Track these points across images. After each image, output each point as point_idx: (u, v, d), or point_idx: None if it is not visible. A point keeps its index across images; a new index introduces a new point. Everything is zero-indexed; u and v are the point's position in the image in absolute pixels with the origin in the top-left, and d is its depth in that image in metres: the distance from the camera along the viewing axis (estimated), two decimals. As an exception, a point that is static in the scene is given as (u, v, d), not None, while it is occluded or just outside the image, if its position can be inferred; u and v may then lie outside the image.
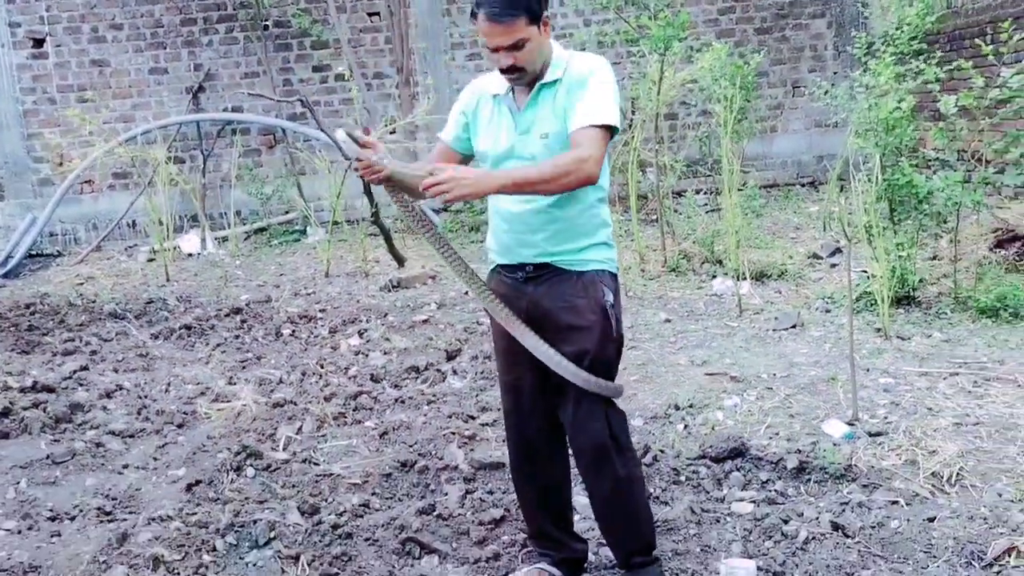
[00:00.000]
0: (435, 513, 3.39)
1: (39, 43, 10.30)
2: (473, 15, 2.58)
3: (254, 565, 3.12)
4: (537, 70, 2.62)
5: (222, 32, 10.47)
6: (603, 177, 2.65)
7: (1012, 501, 3.22)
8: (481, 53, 2.31)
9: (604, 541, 2.97)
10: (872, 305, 5.52)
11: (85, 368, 5.49)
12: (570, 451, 2.89)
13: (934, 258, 6.58)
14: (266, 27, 10.38)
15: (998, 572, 2.85)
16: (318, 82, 10.60)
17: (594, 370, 2.64)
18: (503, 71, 2.60)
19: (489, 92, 2.76)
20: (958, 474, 3.43)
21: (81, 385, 5.19)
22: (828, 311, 5.82)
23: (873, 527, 3.13)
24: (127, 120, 10.38)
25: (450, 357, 5.39)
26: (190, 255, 9.49)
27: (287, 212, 10.42)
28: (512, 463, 2.97)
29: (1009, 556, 2.91)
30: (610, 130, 2.55)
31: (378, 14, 10.44)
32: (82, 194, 10.46)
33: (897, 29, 6.76)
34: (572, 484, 3.02)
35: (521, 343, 2.64)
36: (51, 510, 3.62)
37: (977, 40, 6.22)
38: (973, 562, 2.91)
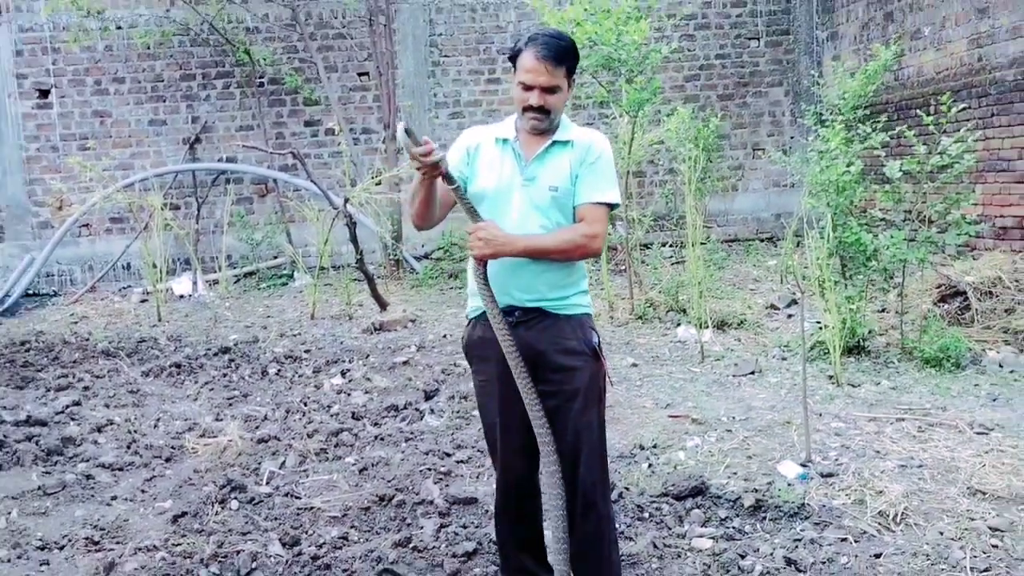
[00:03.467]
0: (411, 545, 3.38)
1: (44, 94, 10.33)
2: (515, 53, 2.64)
3: (236, 594, 3.09)
4: (555, 121, 2.70)
5: (219, 87, 10.55)
6: None
7: (952, 539, 3.26)
8: (511, 92, 2.38)
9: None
10: (825, 354, 5.61)
11: (77, 403, 5.44)
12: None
13: (883, 311, 6.70)
14: (261, 84, 10.48)
15: (939, 606, 2.89)
16: (309, 136, 10.69)
17: (586, 406, 2.69)
18: (531, 108, 2.64)
19: (493, 135, 2.79)
20: (903, 513, 3.47)
21: (73, 420, 5.14)
22: (784, 359, 5.89)
23: (824, 562, 3.16)
24: (126, 168, 10.39)
25: (428, 397, 5.39)
26: (182, 297, 9.45)
27: (276, 257, 10.43)
28: (499, 502, 2.92)
29: (949, 591, 2.95)
30: (612, 206, 2.71)
31: (367, 74, 10.59)
32: (80, 237, 10.41)
33: (841, 99, 6.95)
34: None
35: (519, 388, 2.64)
36: (40, 539, 3.57)
37: (918, 111, 6.40)
38: (916, 597, 2.94)
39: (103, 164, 9.90)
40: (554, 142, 2.70)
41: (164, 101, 10.48)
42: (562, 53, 2.61)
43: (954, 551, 3.17)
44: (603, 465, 2.80)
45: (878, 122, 6.69)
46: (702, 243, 6.97)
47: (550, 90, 2.62)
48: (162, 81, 10.46)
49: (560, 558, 2.63)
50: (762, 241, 10.83)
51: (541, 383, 2.69)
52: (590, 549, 2.80)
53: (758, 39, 11.11)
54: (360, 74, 10.69)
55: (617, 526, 3.45)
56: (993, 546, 3.21)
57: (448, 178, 2.58)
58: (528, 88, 2.63)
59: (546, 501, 2.66)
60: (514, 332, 2.68)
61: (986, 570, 3.05)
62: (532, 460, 2.84)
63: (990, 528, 3.33)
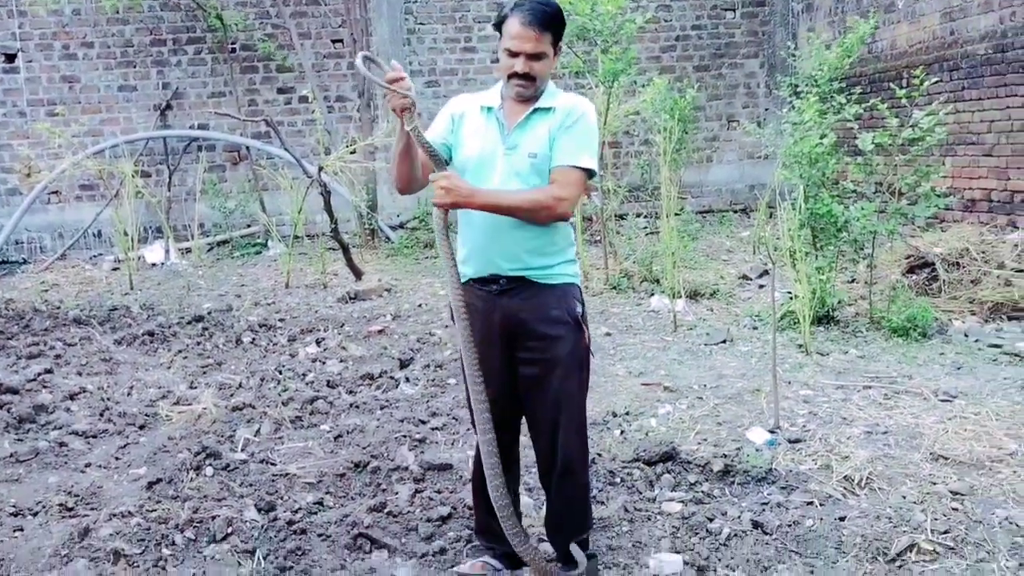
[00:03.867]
0: (386, 510, 3.41)
1: (11, 58, 10.12)
2: (501, 21, 2.63)
3: (211, 559, 3.11)
4: (541, 88, 2.69)
5: (190, 53, 10.39)
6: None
7: (914, 503, 3.35)
8: (498, 56, 2.39)
9: (544, 536, 3.03)
10: (795, 324, 5.68)
11: (49, 371, 5.40)
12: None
13: (853, 281, 6.79)
14: (233, 50, 10.33)
15: (900, 566, 2.97)
16: (282, 103, 10.57)
17: (567, 376, 2.71)
18: (516, 75, 2.63)
19: (478, 104, 2.78)
20: (867, 478, 3.56)
21: (45, 387, 5.11)
22: (755, 328, 5.97)
23: (790, 525, 3.23)
24: (95, 134, 10.22)
25: (403, 365, 5.41)
26: (154, 265, 9.37)
27: (249, 226, 10.35)
28: (476, 467, 2.95)
29: (910, 552, 3.03)
30: (589, 174, 2.65)
31: (341, 41, 10.47)
32: (49, 204, 10.27)
33: (818, 70, 6.99)
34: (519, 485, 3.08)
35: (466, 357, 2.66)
36: (14, 506, 3.56)
37: (892, 84, 6.45)
38: (878, 557, 3.02)
39: (72, 130, 9.73)
40: (535, 109, 2.69)
41: (134, 67, 10.31)
42: (548, 19, 2.60)
43: (916, 514, 3.26)
44: (582, 434, 2.84)
45: (852, 94, 6.74)
46: (676, 214, 7.01)
47: (536, 56, 2.61)
48: (132, 46, 10.28)
49: (507, 524, 2.67)
50: (736, 212, 10.90)
51: (523, 351, 2.73)
52: (567, 514, 2.86)
53: (734, 10, 11.11)
54: (334, 41, 10.57)
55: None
56: (953, 509, 3.30)
57: (409, 111, 2.55)
58: (514, 55, 2.61)
59: (486, 471, 2.67)
60: (497, 300, 2.71)
61: (946, 532, 3.13)
62: (509, 430, 2.88)
63: (951, 492, 3.42)
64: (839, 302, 5.98)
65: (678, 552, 3.06)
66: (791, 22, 10.96)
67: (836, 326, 5.86)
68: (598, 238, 8.46)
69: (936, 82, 7.77)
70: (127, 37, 10.26)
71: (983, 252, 6.54)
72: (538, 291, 2.70)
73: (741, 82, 11.25)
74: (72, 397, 4.95)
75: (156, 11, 10.27)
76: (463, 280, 2.75)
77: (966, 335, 5.54)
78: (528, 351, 2.71)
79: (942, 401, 4.40)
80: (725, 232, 9.87)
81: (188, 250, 9.77)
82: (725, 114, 11.26)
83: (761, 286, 7.14)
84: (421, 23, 10.68)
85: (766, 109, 11.05)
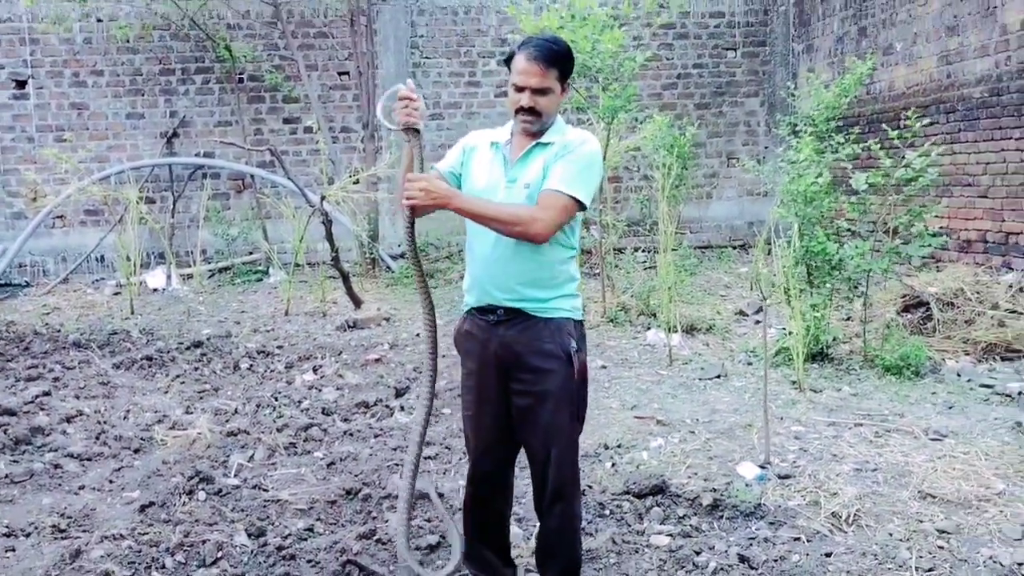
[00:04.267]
0: (375, 538, 3.44)
1: (21, 85, 10.28)
2: (509, 57, 2.72)
3: (201, 582, 3.14)
4: (546, 123, 2.74)
5: (198, 82, 10.55)
6: (573, 238, 2.80)
7: (900, 540, 3.38)
8: (507, 91, 2.52)
9: (532, 567, 3.06)
10: (790, 360, 5.72)
11: (47, 394, 5.45)
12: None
13: (848, 319, 6.83)
14: (240, 80, 10.49)
15: (885, 603, 2.99)
16: (287, 133, 10.71)
17: (558, 408, 2.74)
18: (521, 110, 2.70)
19: (489, 139, 2.86)
20: (855, 515, 3.58)
21: (42, 410, 5.15)
22: (750, 364, 6.01)
23: (776, 560, 3.25)
24: (102, 160, 10.36)
25: (399, 394, 5.45)
26: (155, 290, 9.44)
27: (251, 253, 10.43)
28: (468, 494, 3.00)
29: (895, 589, 3.05)
30: (578, 203, 2.66)
31: (347, 73, 10.63)
32: (54, 228, 10.37)
33: (815, 110, 7.10)
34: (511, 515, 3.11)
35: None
36: (6, 526, 3.59)
37: (884, 125, 6.55)
38: (863, 594, 3.04)
39: (79, 156, 9.86)
40: (537, 144, 2.76)
41: (142, 95, 10.47)
42: (553, 55, 2.67)
43: (901, 551, 3.28)
44: (573, 466, 2.85)
45: (851, 135, 6.84)
46: (674, 249, 7.08)
47: (541, 92, 2.67)
48: (141, 75, 10.45)
49: (402, 518, 2.76)
50: (735, 248, 10.98)
51: (516, 382, 2.77)
52: (557, 544, 2.89)
53: (735, 50, 11.28)
54: (340, 73, 10.73)
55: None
56: (939, 547, 3.32)
57: (414, 131, 2.66)
58: (520, 89, 2.69)
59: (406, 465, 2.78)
60: (494, 330, 2.76)
61: (931, 570, 3.15)
62: (502, 458, 2.92)
63: (938, 530, 3.45)
64: (834, 339, 6.02)
65: (664, 585, 3.08)
66: (791, 62, 11.12)
67: (830, 363, 5.90)
68: (596, 271, 8.52)
69: (932, 124, 7.89)
70: (136, 66, 10.43)
71: (978, 292, 6.60)
72: (533, 324, 2.74)
73: (741, 120, 11.38)
74: (69, 420, 4.99)
75: (166, 40, 10.45)
76: (468, 308, 2.83)
77: (959, 375, 5.57)
78: (520, 382, 2.75)
79: (932, 440, 4.43)
80: (724, 268, 9.93)
81: (190, 276, 9.85)
82: (725, 151, 11.39)
83: (757, 322, 7.19)
84: (427, 57, 10.86)
85: (766, 147, 11.18)
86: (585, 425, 4.72)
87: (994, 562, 3.20)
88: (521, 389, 2.77)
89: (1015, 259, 6.97)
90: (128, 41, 10.27)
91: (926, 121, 7.41)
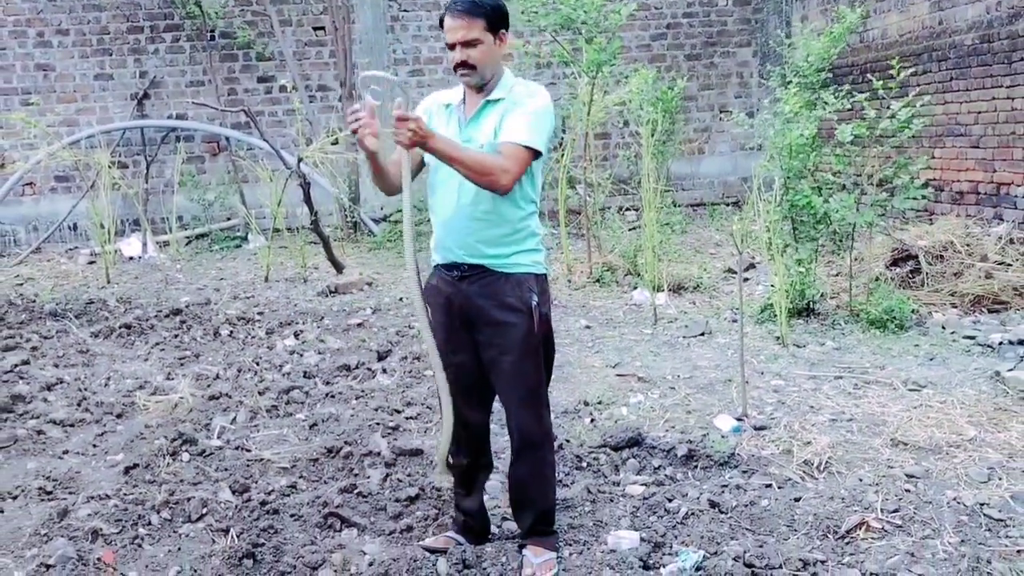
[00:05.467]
0: (356, 492, 3.69)
1: (-17, 46, 10.38)
2: (441, 21, 2.90)
3: (187, 536, 3.38)
4: (486, 75, 2.92)
5: (168, 41, 10.65)
6: (533, 191, 3.00)
7: (869, 485, 3.64)
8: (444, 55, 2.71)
9: (509, 515, 3.31)
10: (775, 316, 5.96)
11: (26, 363, 5.67)
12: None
13: (837, 274, 7.07)
14: (212, 38, 10.59)
15: (848, 543, 3.25)
16: (263, 93, 10.84)
17: (521, 359, 2.97)
18: (456, 67, 2.89)
19: (442, 102, 3.06)
20: (827, 462, 3.84)
21: (22, 378, 5.38)
22: (735, 321, 6.24)
23: (746, 505, 3.51)
24: (71, 124, 10.49)
25: (381, 357, 5.69)
26: (131, 259, 9.63)
27: (229, 219, 10.62)
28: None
29: (859, 529, 3.31)
30: (534, 153, 2.86)
31: (323, 28, 10.73)
32: (23, 196, 10.52)
33: (805, 61, 7.26)
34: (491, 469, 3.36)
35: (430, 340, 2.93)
36: (-6, 490, 3.84)
37: (871, 76, 6.72)
38: (828, 535, 3.30)
39: (47, 120, 10.00)
40: (487, 101, 2.95)
41: (110, 55, 10.57)
42: (474, 6, 2.84)
43: (869, 495, 3.54)
44: (538, 413, 3.08)
45: (844, 84, 7.01)
46: (659, 207, 7.28)
47: (469, 44, 2.85)
48: (108, 34, 10.54)
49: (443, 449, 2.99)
50: (727, 205, 11.19)
51: (481, 335, 3.01)
52: (528, 490, 3.14)
53: (726, -3, 11.39)
54: (316, 28, 10.83)
55: (556, 474, 3.80)
56: (906, 490, 3.58)
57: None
58: (451, 47, 2.88)
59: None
60: (459, 285, 2.99)
61: (895, 511, 3.41)
62: (475, 404, 3.14)
63: (906, 475, 3.71)
64: (821, 295, 6.26)
65: (636, 530, 3.34)
66: (784, 10, 11.24)
67: (816, 318, 6.15)
68: (583, 232, 8.73)
69: (924, 73, 8.07)
70: (103, 24, 10.52)
71: (968, 245, 6.83)
72: (495, 279, 2.97)
73: (733, 71, 11.53)
74: (49, 388, 5.22)
75: (133, -2, 10.53)
76: (434, 265, 3.07)
77: (943, 327, 5.82)
78: (485, 335, 2.99)
79: (910, 391, 4.69)
80: (715, 225, 10.15)
81: (166, 243, 10.04)
82: (717, 104, 11.55)
83: (746, 279, 7.42)
84: (405, 10, 10.95)
85: (759, 100, 11.33)
86: (566, 383, 5.02)
87: (958, 503, 3.46)
88: (486, 341, 3.00)
89: (1006, 210, 7.20)
90: (93, -1, 10.35)
91: (919, 69, 7.60)
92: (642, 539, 3.25)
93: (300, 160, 8.10)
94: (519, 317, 2.96)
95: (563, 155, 7.95)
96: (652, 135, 7.30)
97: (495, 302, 2.96)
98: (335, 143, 8.46)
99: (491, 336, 2.98)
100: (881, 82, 5.98)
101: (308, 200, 8.21)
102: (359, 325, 6.56)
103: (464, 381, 3.08)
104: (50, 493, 3.82)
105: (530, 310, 2.97)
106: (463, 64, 2.88)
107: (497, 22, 2.89)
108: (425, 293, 3.11)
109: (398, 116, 2.68)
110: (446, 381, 2.89)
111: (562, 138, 8.66)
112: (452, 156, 2.77)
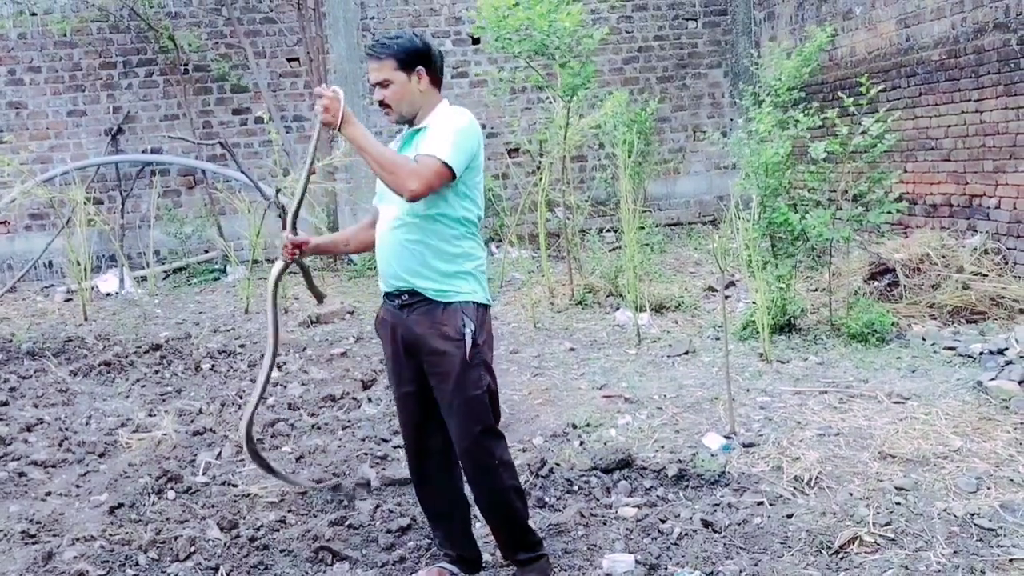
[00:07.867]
0: (347, 524, 3.65)
1: (-46, 84, 10.29)
2: None
3: (175, 576, 3.33)
4: (403, 112, 2.98)
5: (141, 75, 10.61)
6: (463, 211, 2.97)
7: (859, 499, 3.65)
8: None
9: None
10: (757, 333, 5.99)
11: (4, 403, 5.58)
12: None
13: (816, 290, 7.13)
14: (186, 71, 10.57)
15: (842, 558, 3.25)
16: (238, 124, 10.81)
17: (459, 393, 2.94)
18: (379, 105, 2.98)
19: (400, 131, 3.14)
20: (816, 477, 3.86)
21: (1, 420, 5.29)
22: (718, 339, 6.28)
23: (739, 524, 3.51)
24: (45, 161, 10.40)
25: (365, 386, 5.65)
26: (108, 295, 9.53)
27: (207, 251, 10.54)
28: (411, 471, 3.24)
29: (853, 544, 3.32)
30: (448, 168, 2.84)
31: (297, 60, 10.74)
32: (-3, 235, 10.41)
33: (776, 80, 7.35)
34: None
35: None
36: (-25, 535, 3.76)
37: (842, 93, 6.81)
38: (822, 550, 3.30)
39: (20, 157, 9.89)
40: (415, 130, 3.01)
41: (83, 91, 10.52)
42: (383, 48, 2.92)
43: (860, 509, 3.55)
44: (479, 445, 2.99)
45: (813, 102, 7.10)
46: (640, 228, 7.32)
47: (383, 84, 2.93)
48: (80, 70, 10.49)
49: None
50: (704, 224, 11.27)
51: (424, 364, 3.01)
52: (491, 517, 3.12)
53: (696, 20, 11.52)
54: (290, 60, 10.84)
55: (546, 499, 3.79)
56: (896, 503, 3.60)
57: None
58: (372, 88, 2.99)
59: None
60: (399, 314, 3.02)
61: (887, 524, 3.42)
62: (433, 430, 3.12)
63: (896, 487, 3.73)
64: (802, 311, 6.30)
65: (631, 552, 3.32)
66: (753, 31, 11.39)
67: (797, 334, 6.18)
68: (563, 254, 8.75)
69: (893, 89, 8.19)
70: (75, 60, 10.47)
71: (943, 257, 6.91)
72: (433, 307, 2.97)
73: (705, 92, 11.65)
74: (29, 428, 5.14)
75: (105, 33, 10.49)
76: (382, 295, 3.12)
77: (924, 339, 5.87)
78: (428, 364, 3.00)
79: (895, 403, 4.72)
80: (693, 244, 10.21)
81: (144, 278, 9.95)
82: (691, 125, 11.65)
83: (727, 297, 7.45)
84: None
85: (731, 119, 11.45)
86: (553, 406, 5.01)
87: (948, 514, 3.48)
88: (428, 370, 3.01)
89: (979, 221, 7.28)
90: (65, 35, 10.30)
91: (888, 86, 7.70)
92: (637, 562, 3.24)
93: (278, 191, 8.07)
94: (455, 346, 2.94)
95: (541, 178, 7.98)
96: (629, 156, 7.35)
97: (434, 331, 2.96)
98: (313, 173, 8.41)
99: (432, 365, 2.99)
100: (851, 99, 6.06)
101: (293, 227, 8.14)
102: (342, 354, 6.52)
103: (416, 409, 3.09)
104: (34, 536, 3.74)
105: (464, 340, 2.94)
106: (381, 103, 2.98)
107: (409, 61, 2.93)
108: (376, 326, 3.18)
109: (317, 91, 2.77)
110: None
111: (540, 162, 8.70)
112: (363, 146, 2.81)
